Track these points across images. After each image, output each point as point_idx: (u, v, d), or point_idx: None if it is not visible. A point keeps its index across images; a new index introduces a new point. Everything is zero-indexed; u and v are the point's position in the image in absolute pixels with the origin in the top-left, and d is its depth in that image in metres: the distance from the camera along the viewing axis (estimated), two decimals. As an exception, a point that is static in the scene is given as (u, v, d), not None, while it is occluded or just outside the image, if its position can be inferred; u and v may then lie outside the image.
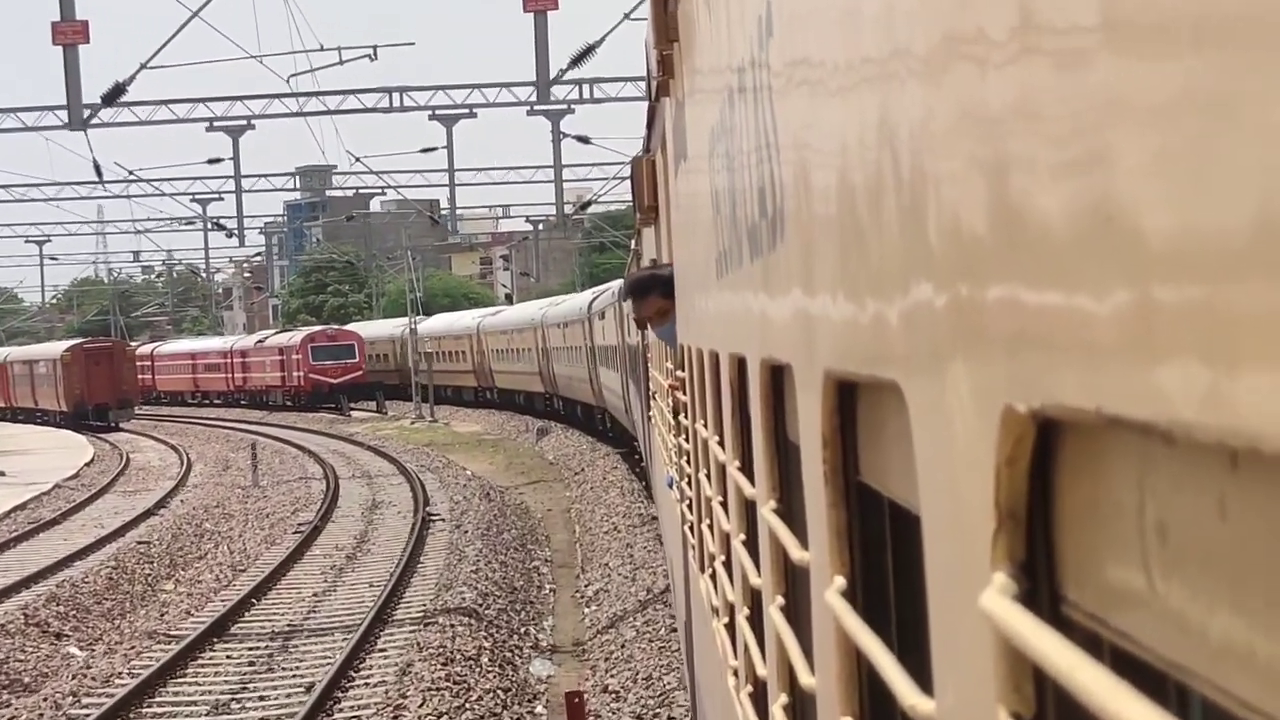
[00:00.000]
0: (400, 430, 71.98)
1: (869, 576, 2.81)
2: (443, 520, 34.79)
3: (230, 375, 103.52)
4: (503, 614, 24.05)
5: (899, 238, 2.06)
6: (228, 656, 22.25)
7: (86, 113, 44.70)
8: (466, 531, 32.32)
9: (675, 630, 18.87)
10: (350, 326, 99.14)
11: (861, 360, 2.39)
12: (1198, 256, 1.15)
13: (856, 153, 2.33)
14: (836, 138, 2.51)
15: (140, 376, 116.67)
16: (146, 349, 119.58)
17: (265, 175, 63.37)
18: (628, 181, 14.38)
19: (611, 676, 19.91)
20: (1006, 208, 1.57)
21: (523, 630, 23.45)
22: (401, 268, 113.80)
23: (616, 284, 44.12)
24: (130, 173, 57.04)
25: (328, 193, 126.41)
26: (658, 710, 17.69)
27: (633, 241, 25.18)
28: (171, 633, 23.84)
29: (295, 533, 34.24)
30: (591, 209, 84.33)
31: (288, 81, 56.32)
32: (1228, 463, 1.16)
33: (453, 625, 22.67)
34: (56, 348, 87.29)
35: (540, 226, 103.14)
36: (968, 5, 1.67)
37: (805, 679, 3.31)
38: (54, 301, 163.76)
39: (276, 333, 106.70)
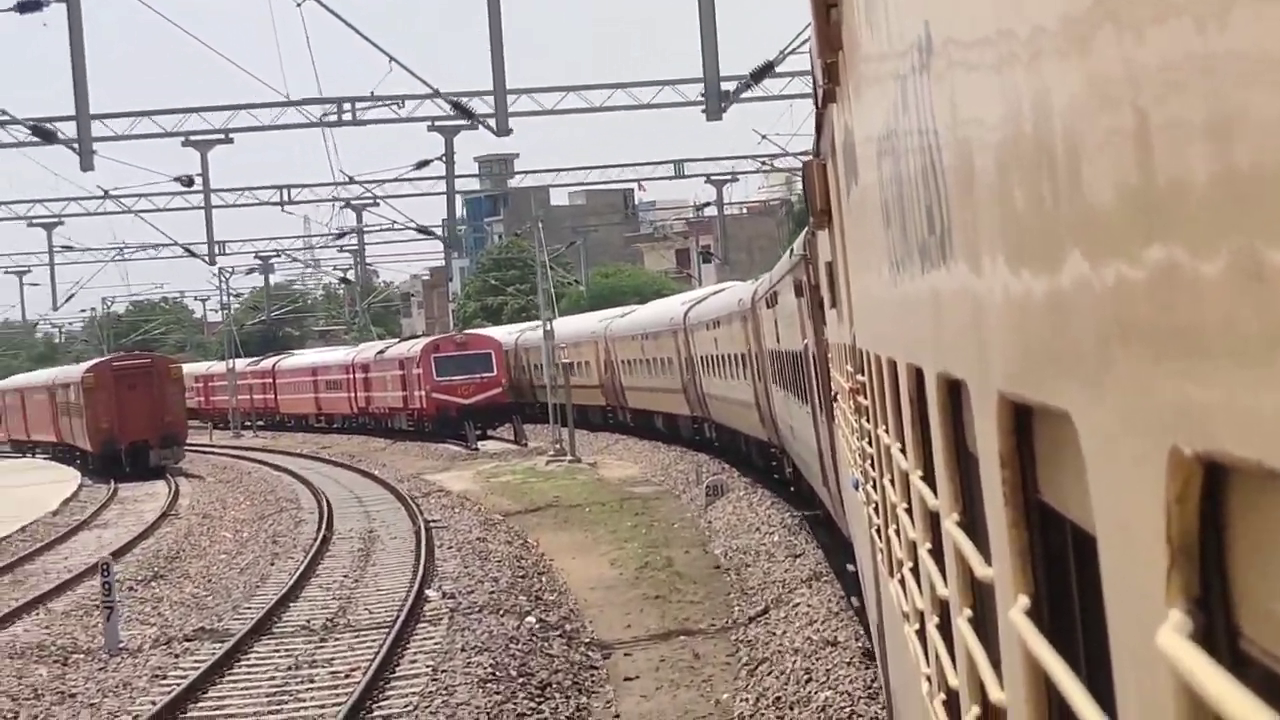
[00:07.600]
0: (525, 476, 50.02)
1: (1053, 596, 2.80)
2: None
3: (353, 394, 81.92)
4: None
5: (1064, 266, 2.04)
6: None
7: None
8: None
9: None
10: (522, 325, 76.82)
11: (1033, 386, 2.43)
12: None
13: (1017, 173, 2.34)
14: (997, 157, 2.53)
15: (262, 396, 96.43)
16: (268, 363, 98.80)
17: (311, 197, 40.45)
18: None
19: None
20: (1167, 255, 1.56)
21: None
22: (586, 263, 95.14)
23: (728, 287, 44.60)
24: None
25: (509, 183, 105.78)
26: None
27: (795, 244, 23.94)
28: None
29: None
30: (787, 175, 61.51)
31: None
32: None
33: None
34: (79, 369, 65.41)
35: (733, 201, 79.30)
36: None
37: (995, 694, 3.36)
38: (235, 311, 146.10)
39: (400, 340, 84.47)
